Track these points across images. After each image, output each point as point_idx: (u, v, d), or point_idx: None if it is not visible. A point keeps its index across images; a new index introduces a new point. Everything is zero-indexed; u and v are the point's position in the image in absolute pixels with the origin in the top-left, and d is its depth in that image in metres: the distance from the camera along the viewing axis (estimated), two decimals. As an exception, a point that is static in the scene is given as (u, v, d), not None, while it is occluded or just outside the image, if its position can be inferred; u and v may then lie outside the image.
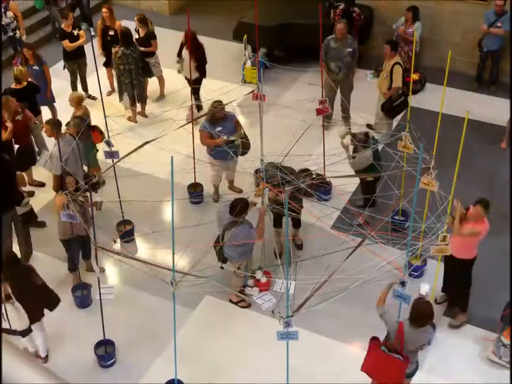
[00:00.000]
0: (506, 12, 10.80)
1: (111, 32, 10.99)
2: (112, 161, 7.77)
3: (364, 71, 11.65)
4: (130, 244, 8.61)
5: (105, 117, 7.86)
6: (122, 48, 10.31)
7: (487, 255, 8.25)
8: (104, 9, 11.13)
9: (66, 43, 10.85)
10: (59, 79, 11.17)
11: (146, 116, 10.95)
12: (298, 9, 11.92)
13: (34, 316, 6.81)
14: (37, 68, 10.13)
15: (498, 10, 10.83)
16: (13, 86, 9.42)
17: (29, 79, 9.61)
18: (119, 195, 8.31)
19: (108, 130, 7.85)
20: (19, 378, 2.62)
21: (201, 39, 12.03)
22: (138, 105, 10.94)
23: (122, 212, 8.53)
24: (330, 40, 10.11)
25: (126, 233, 8.59)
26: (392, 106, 9.88)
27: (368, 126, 10.38)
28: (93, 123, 9.08)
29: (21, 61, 10.17)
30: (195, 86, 10.29)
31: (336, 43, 10.09)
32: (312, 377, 6.85)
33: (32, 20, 13.44)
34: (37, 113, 9.79)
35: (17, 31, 11.75)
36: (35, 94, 9.72)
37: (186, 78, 10.51)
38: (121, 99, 10.78)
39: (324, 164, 8.73)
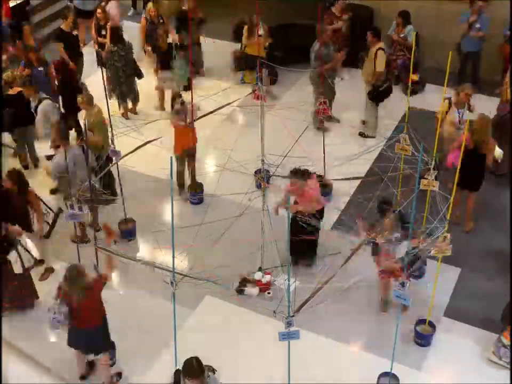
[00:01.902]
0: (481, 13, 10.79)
1: (103, 31, 11.01)
2: (116, 159, 7.84)
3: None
4: (131, 243, 8.62)
5: (109, 116, 7.86)
6: (110, 45, 10.44)
7: (487, 254, 8.30)
8: (98, 10, 11.24)
9: (59, 46, 10.67)
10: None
11: (136, 113, 10.99)
12: (298, 10, 11.91)
13: None
14: (41, 69, 10.12)
15: (475, 11, 10.75)
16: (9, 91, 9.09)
17: (20, 89, 9.31)
18: (122, 193, 8.33)
19: (112, 129, 7.86)
20: (19, 378, 2.64)
21: (201, 39, 12.06)
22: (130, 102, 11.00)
23: (124, 209, 8.53)
24: (322, 48, 10.03)
25: (128, 231, 8.63)
26: (377, 92, 9.94)
27: (361, 134, 10.39)
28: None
29: (24, 63, 10.14)
30: None
31: (327, 48, 10.08)
32: (313, 377, 6.85)
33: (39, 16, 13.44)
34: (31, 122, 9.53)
35: None
36: (24, 104, 9.36)
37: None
38: (111, 96, 10.80)
39: (324, 165, 8.74)
